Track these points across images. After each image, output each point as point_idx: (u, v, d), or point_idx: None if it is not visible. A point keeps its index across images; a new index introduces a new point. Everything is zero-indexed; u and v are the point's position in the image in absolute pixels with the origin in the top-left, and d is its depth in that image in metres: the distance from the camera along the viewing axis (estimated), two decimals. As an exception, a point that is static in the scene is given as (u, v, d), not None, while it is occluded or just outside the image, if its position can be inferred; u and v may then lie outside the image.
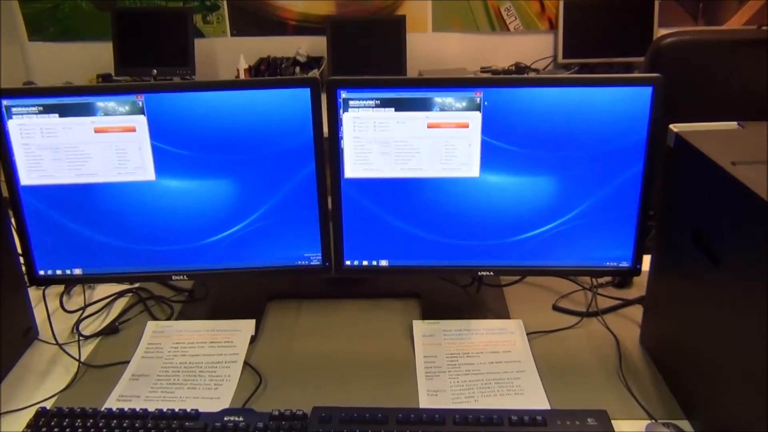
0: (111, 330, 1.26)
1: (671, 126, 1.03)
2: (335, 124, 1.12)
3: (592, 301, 1.31)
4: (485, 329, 1.22)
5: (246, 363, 1.16)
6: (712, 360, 0.93)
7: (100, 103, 1.10)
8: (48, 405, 1.07)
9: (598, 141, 1.10)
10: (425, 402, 1.06)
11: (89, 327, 1.28)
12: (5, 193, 1.15)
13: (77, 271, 1.21)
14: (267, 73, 3.34)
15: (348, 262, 1.22)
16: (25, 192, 1.15)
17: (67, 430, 0.98)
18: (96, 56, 3.49)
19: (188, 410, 1.01)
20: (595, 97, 1.08)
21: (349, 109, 1.11)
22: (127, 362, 1.17)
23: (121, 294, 1.37)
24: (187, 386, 1.11)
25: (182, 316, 1.31)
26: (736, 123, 1.03)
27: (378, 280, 1.39)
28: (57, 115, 1.10)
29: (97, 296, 1.37)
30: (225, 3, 3.46)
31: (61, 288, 1.38)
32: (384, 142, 1.12)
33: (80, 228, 1.17)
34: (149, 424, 0.99)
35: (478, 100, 1.09)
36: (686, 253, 0.99)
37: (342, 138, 1.13)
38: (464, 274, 1.36)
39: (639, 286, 1.35)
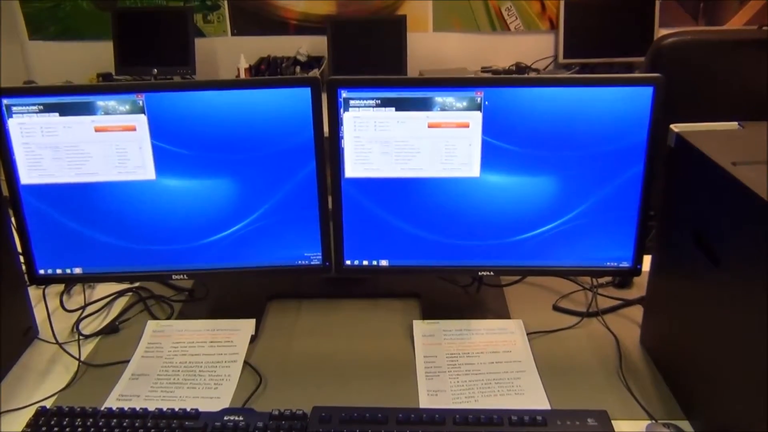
0: (111, 329, 1.26)
1: (672, 126, 1.03)
2: (336, 123, 1.12)
3: (592, 301, 1.31)
4: (485, 329, 1.22)
5: (246, 362, 1.16)
6: (713, 360, 0.93)
7: (101, 102, 1.10)
8: (48, 404, 1.07)
9: (598, 141, 1.10)
10: (425, 402, 1.06)
11: (89, 326, 1.28)
12: (5, 192, 1.15)
13: (77, 271, 1.21)
14: (267, 73, 3.34)
15: (348, 262, 1.21)
16: (25, 191, 1.15)
17: (67, 429, 0.98)
18: (96, 55, 3.49)
19: (188, 410, 1.01)
20: (596, 97, 1.08)
21: (350, 109, 1.11)
22: (127, 361, 1.17)
23: (121, 293, 1.37)
24: (187, 386, 1.11)
25: (182, 315, 1.31)
26: (736, 123, 1.03)
27: (378, 280, 1.39)
28: (57, 114, 1.10)
29: (97, 295, 1.37)
30: (225, 2, 3.46)
31: (61, 287, 1.38)
32: (384, 142, 1.12)
33: (80, 227, 1.17)
34: (149, 424, 0.98)
35: (479, 99, 1.09)
36: (687, 254, 0.99)
37: (342, 137, 1.13)
38: (464, 274, 1.36)
39: (639, 287, 1.34)
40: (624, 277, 1.36)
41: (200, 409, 1.01)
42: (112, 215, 1.17)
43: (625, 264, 1.18)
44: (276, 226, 1.19)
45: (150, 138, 1.12)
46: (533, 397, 1.06)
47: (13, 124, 1.11)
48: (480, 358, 1.15)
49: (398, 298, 1.34)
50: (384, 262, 1.21)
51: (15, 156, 1.12)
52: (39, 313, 1.27)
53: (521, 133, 1.10)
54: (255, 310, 1.29)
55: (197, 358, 1.17)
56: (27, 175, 1.14)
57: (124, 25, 3.29)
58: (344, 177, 1.15)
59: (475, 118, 1.10)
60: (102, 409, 1.02)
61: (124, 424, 0.98)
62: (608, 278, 1.37)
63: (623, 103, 1.08)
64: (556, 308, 1.30)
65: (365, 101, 1.10)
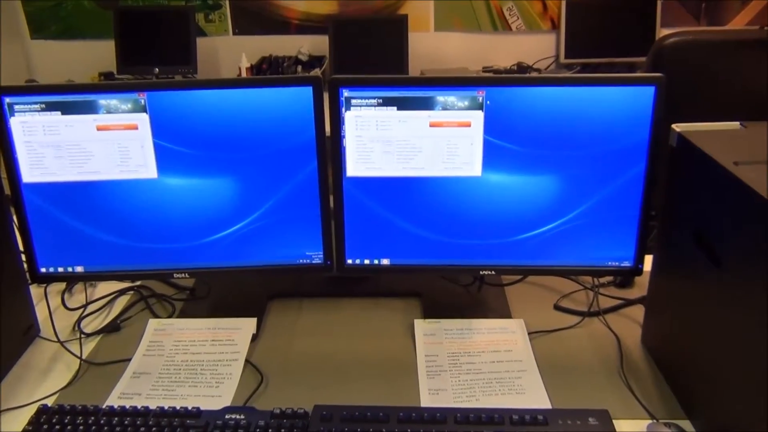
0: (112, 328, 1.26)
1: (674, 126, 1.03)
2: (337, 122, 1.12)
3: (593, 301, 1.31)
4: (486, 328, 1.22)
5: (247, 361, 1.16)
6: (714, 360, 0.93)
7: (103, 100, 1.10)
8: (49, 402, 1.07)
9: (600, 140, 1.10)
10: (426, 401, 1.06)
11: (91, 325, 1.28)
12: (7, 191, 1.15)
13: (79, 269, 1.21)
14: (269, 72, 3.34)
15: (349, 261, 1.22)
16: (27, 189, 1.15)
17: (69, 427, 0.98)
18: (98, 54, 3.49)
19: (189, 408, 1.01)
20: (598, 97, 1.08)
21: (352, 108, 1.11)
22: (129, 360, 1.17)
23: (122, 292, 1.37)
24: (189, 384, 1.11)
25: (183, 314, 1.31)
26: (738, 123, 1.03)
27: (379, 279, 1.39)
28: (59, 112, 1.10)
29: (98, 294, 1.37)
30: (227, 2, 3.46)
31: (62, 286, 1.38)
32: (386, 141, 1.12)
33: (82, 225, 1.17)
34: (150, 422, 0.99)
35: (481, 99, 1.09)
36: (688, 253, 0.99)
37: (344, 137, 1.13)
38: (466, 274, 1.36)
39: (640, 286, 1.34)
40: (625, 277, 1.36)
41: (201, 408, 1.01)
42: (113, 214, 1.17)
43: (626, 264, 1.18)
44: (277, 224, 1.19)
45: (152, 137, 1.12)
46: (534, 397, 1.06)
47: (16, 123, 1.11)
48: (481, 358, 1.15)
49: (399, 297, 1.34)
50: (385, 261, 1.21)
51: (17, 154, 1.12)
52: (41, 312, 1.28)
53: (523, 132, 1.10)
54: (256, 309, 1.29)
55: (198, 357, 1.17)
56: (29, 174, 1.14)
57: (125, 24, 3.30)
58: (346, 176, 1.15)
59: (477, 117, 1.10)
60: (103, 407, 1.02)
61: (126, 422, 0.98)
62: (609, 278, 1.37)
63: (625, 102, 1.08)
64: (557, 308, 1.30)
65: (367, 100, 1.11)
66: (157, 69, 3.27)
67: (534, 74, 3.29)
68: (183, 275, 1.22)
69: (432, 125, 1.11)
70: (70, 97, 1.10)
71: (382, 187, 1.15)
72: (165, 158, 1.14)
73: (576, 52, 3.35)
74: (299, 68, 3.34)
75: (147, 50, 3.30)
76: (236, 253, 1.21)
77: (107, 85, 1.12)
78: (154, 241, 1.19)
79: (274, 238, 1.20)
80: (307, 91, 1.11)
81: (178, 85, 1.11)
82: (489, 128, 1.11)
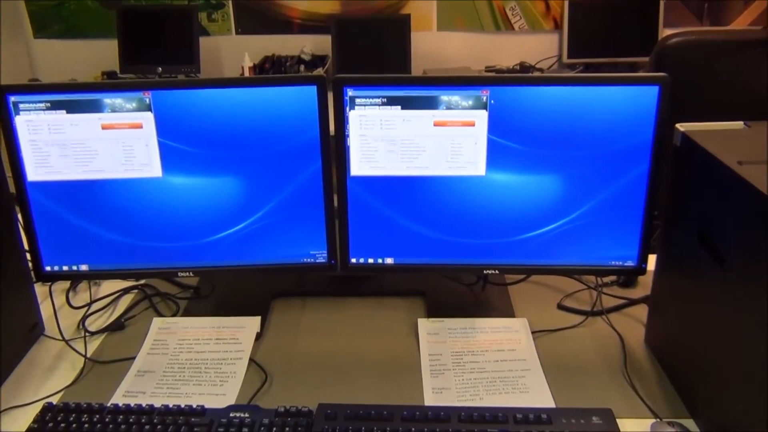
0: (117, 326, 1.27)
1: (678, 125, 1.03)
2: (342, 121, 1.12)
3: (597, 301, 1.31)
4: (490, 328, 1.23)
5: (251, 360, 1.16)
6: (717, 359, 0.93)
7: (108, 99, 1.10)
8: (54, 400, 1.07)
9: (604, 140, 1.10)
10: (430, 400, 1.06)
11: (95, 323, 1.28)
12: (12, 189, 1.15)
13: (83, 267, 1.21)
14: (271, 72, 3.34)
15: (353, 260, 1.22)
16: (32, 188, 1.15)
17: (74, 425, 0.98)
18: (101, 54, 3.50)
19: (194, 406, 1.01)
20: (602, 97, 1.08)
21: (356, 107, 1.11)
22: (133, 358, 1.17)
23: (126, 290, 1.38)
24: (193, 382, 1.11)
25: (188, 312, 1.31)
26: (742, 123, 1.03)
27: (383, 278, 1.39)
28: (64, 111, 1.11)
29: (102, 293, 1.37)
30: (230, 1, 3.47)
31: (67, 284, 1.38)
32: (390, 140, 1.13)
33: (87, 224, 1.18)
34: (155, 420, 0.99)
35: (485, 98, 1.09)
36: (691, 253, 0.99)
37: (348, 136, 1.13)
38: (469, 273, 1.36)
39: (644, 286, 1.35)
40: (629, 276, 1.36)
41: (206, 406, 1.02)
42: (118, 212, 1.17)
43: (630, 263, 1.18)
44: (281, 223, 1.19)
45: (156, 135, 1.13)
46: (538, 396, 1.06)
47: (21, 122, 1.11)
48: (485, 357, 1.15)
49: (403, 297, 1.34)
50: (389, 261, 1.21)
51: (22, 153, 1.13)
52: (45, 310, 1.28)
53: (527, 131, 1.11)
54: (260, 308, 1.29)
55: (203, 355, 1.17)
56: (34, 172, 1.14)
57: (128, 23, 3.30)
58: (350, 175, 1.15)
59: (481, 116, 1.10)
60: (108, 405, 1.02)
61: (131, 420, 0.99)
62: (613, 277, 1.37)
63: (629, 102, 1.08)
64: (560, 307, 1.30)
65: (371, 100, 1.11)
66: (160, 68, 3.27)
67: (537, 74, 3.29)
68: (187, 274, 1.22)
69: (436, 124, 1.11)
70: (75, 96, 1.10)
71: (386, 187, 1.16)
72: (169, 157, 1.14)
73: (578, 52, 3.36)
74: (302, 68, 3.35)
75: (150, 49, 3.30)
76: (240, 251, 1.21)
77: (112, 84, 1.12)
78: (159, 239, 1.19)
79: (278, 237, 1.20)
80: (312, 91, 1.12)
81: (183, 84, 1.11)
82: (493, 128, 1.11)
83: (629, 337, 1.20)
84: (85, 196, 1.16)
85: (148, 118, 1.12)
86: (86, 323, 1.27)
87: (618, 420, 0.98)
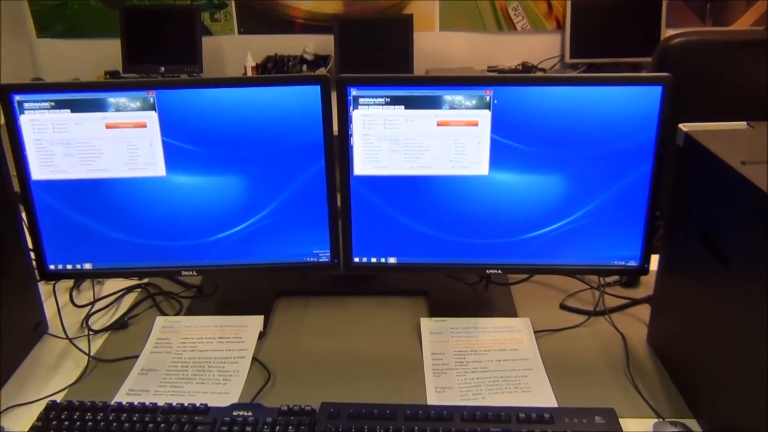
0: (120, 325, 1.27)
1: (680, 125, 1.03)
2: (345, 121, 1.13)
3: (599, 300, 1.31)
4: (493, 327, 1.23)
5: (254, 358, 1.16)
6: (720, 359, 0.93)
7: (112, 99, 1.11)
8: (58, 398, 1.08)
9: (607, 140, 1.10)
10: (433, 399, 1.07)
11: (99, 322, 1.29)
12: (17, 188, 1.16)
13: (87, 266, 1.21)
14: (274, 71, 3.34)
15: (356, 259, 1.22)
16: (36, 187, 1.15)
17: (77, 423, 0.99)
18: (104, 53, 3.50)
19: (197, 404, 1.02)
20: (605, 96, 1.08)
21: (359, 107, 1.12)
22: (137, 357, 1.18)
23: (130, 289, 1.38)
24: (196, 381, 1.11)
25: (191, 311, 1.31)
26: (745, 123, 1.03)
27: (386, 278, 1.39)
28: (69, 110, 1.11)
29: (106, 291, 1.38)
30: (233, 1, 3.47)
31: (70, 283, 1.39)
32: (393, 140, 1.13)
33: (91, 223, 1.18)
34: (159, 418, 0.99)
35: (488, 98, 1.10)
36: (694, 253, 0.99)
37: (352, 135, 1.13)
38: (472, 272, 1.36)
39: (646, 286, 1.35)
40: (631, 276, 1.36)
41: (209, 404, 1.02)
42: (122, 211, 1.17)
43: (632, 263, 1.18)
44: (285, 223, 1.19)
45: (160, 135, 1.13)
46: (540, 395, 1.07)
47: (25, 120, 1.12)
48: (487, 356, 1.15)
49: (406, 296, 1.34)
50: (392, 260, 1.22)
51: (26, 152, 1.13)
52: (49, 309, 1.28)
53: (530, 131, 1.11)
54: (263, 307, 1.30)
55: (206, 354, 1.18)
56: (38, 171, 1.14)
57: (131, 23, 3.31)
58: (353, 174, 1.15)
59: (484, 116, 1.11)
60: (112, 403, 1.03)
61: (134, 418, 0.99)
62: (615, 277, 1.38)
63: (632, 102, 1.08)
64: (563, 307, 1.30)
65: (375, 99, 1.11)
66: (162, 68, 3.28)
67: (540, 74, 3.29)
68: (190, 273, 1.23)
69: (439, 124, 1.12)
70: (79, 95, 1.10)
71: (389, 186, 1.16)
72: (173, 156, 1.14)
73: (581, 52, 3.35)
74: (304, 67, 3.35)
75: (153, 49, 3.31)
76: (243, 250, 1.21)
77: (117, 83, 1.12)
78: (162, 238, 1.20)
79: (282, 236, 1.20)
80: (315, 90, 1.12)
81: (187, 83, 1.11)
82: (496, 127, 1.11)
83: (632, 336, 1.20)
84: (89, 195, 1.16)
85: (152, 118, 1.12)
86: (90, 322, 1.28)
87: (620, 419, 0.98)
